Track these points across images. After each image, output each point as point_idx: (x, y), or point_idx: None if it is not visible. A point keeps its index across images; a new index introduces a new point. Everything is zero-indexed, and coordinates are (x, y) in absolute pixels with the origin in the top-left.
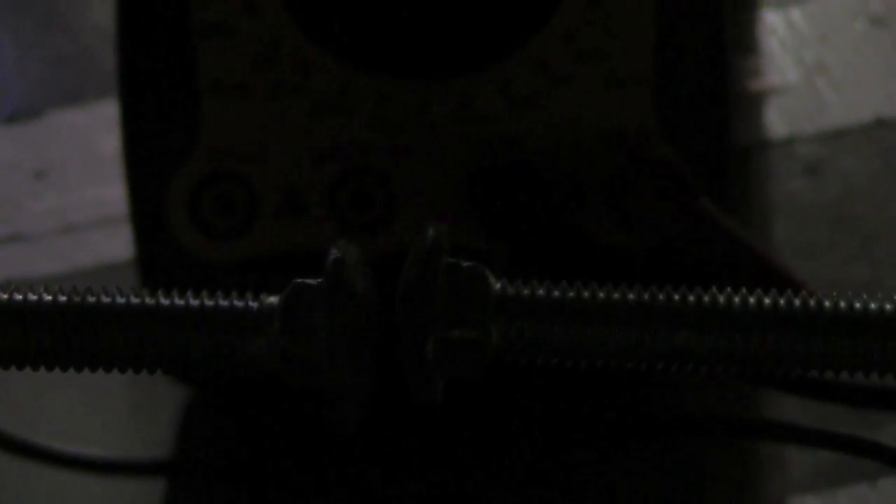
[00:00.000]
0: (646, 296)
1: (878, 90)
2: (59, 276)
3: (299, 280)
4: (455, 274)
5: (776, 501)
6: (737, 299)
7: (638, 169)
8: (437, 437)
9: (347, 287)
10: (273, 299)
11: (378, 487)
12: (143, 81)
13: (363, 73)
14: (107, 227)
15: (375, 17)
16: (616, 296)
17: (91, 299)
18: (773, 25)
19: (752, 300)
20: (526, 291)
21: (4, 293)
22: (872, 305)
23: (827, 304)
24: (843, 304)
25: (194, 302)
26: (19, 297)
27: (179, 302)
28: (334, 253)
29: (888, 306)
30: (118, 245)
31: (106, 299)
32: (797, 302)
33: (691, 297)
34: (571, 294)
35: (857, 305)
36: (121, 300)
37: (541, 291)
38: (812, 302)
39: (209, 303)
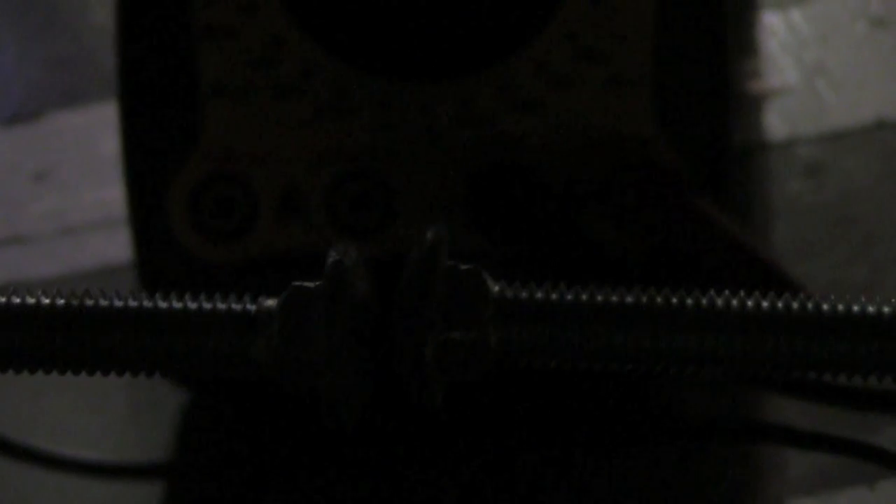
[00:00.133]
0: (644, 298)
1: (879, 91)
2: (58, 278)
3: (298, 282)
4: (454, 276)
5: None
6: (735, 302)
7: (638, 170)
8: (437, 439)
9: (346, 289)
10: (272, 301)
11: (377, 489)
12: (142, 83)
13: (363, 74)
14: (106, 229)
15: (375, 18)
16: (615, 298)
17: (90, 302)
18: (774, 27)
19: (750, 302)
20: (525, 294)
21: (3, 296)
22: (871, 308)
23: (825, 306)
24: (841, 306)
25: (193, 304)
26: (18, 299)
27: (178, 304)
28: (333, 255)
29: (886, 309)
30: (118, 247)
31: (105, 302)
32: (796, 304)
33: (690, 300)
34: (570, 296)
35: (856, 308)
36: (120, 302)
37: (539, 294)
38: (811, 304)
39: (208, 305)
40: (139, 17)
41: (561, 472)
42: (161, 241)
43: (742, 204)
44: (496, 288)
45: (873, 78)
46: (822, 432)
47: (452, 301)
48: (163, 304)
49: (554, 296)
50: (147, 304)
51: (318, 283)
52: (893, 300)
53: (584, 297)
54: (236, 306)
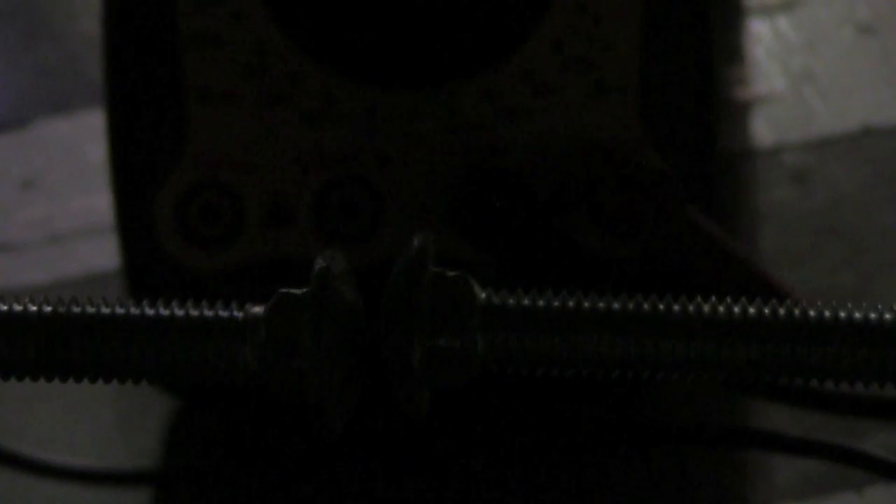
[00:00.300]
0: (631, 305)
1: (865, 98)
2: (45, 285)
3: (285, 289)
4: (440, 283)
5: None
6: (722, 308)
7: (625, 177)
8: (425, 446)
9: (333, 296)
10: (258, 309)
11: (365, 497)
12: (129, 91)
13: (350, 82)
14: (93, 236)
15: (362, 25)
16: (602, 305)
17: (77, 309)
18: (760, 34)
19: (737, 309)
20: (511, 301)
21: None
22: (858, 314)
23: (813, 313)
24: (828, 313)
25: (180, 311)
26: (5, 307)
27: (165, 311)
28: (320, 262)
29: (873, 315)
30: (105, 255)
31: (92, 309)
32: (783, 311)
33: (677, 306)
34: (557, 303)
35: (843, 314)
36: (107, 310)
37: (526, 301)
38: (798, 311)
39: (195, 312)
40: (126, 24)
41: (548, 478)
42: (148, 249)
43: (729, 211)
44: (483, 295)
45: (860, 85)
46: (810, 438)
47: (439, 308)
48: (150, 312)
49: (541, 303)
50: (134, 311)
51: (305, 289)
52: (880, 307)
53: (570, 303)
54: (223, 313)
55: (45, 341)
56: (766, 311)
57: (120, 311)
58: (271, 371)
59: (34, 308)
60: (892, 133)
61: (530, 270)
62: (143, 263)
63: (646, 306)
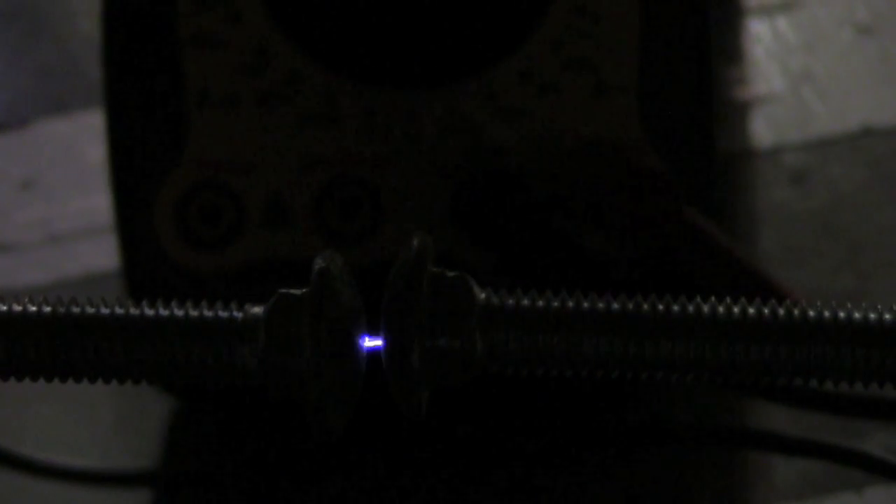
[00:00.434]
0: (631, 305)
1: (865, 99)
2: (44, 286)
3: (284, 290)
4: (440, 283)
5: None
6: (722, 308)
7: (624, 178)
8: (424, 447)
9: (332, 297)
10: (258, 309)
11: (364, 497)
12: (129, 91)
13: (349, 82)
14: (93, 237)
15: (362, 26)
16: (601, 305)
17: (76, 310)
18: (759, 34)
19: (737, 309)
20: (511, 301)
21: None
22: (857, 315)
23: (812, 313)
24: (828, 313)
25: (179, 312)
26: (4, 307)
27: (165, 312)
28: (319, 263)
29: (873, 315)
30: (104, 255)
31: (91, 310)
32: (782, 311)
33: (676, 307)
34: (557, 304)
35: (842, 315)
36: (106, 310)
37: (526, 301)
38: (797, 311)
39: (194, 313)
40: (125, 25)
41: (547, 479)
42: (147, 250)
43: (728, 211)
44: (482, 295)
45: (859, 85)
46: (809, 438)
47: (439, 308)
48: (149, 312)
49: (540, 303)
50: (134, 311)
51: (304, 290)
52: (880, 307)
53: (570, 304)
54: (223, 314)
55: (45, 342)
56: (766, 311)
57: (119, 311)
58: (270, 371)
59: (33, 308)
60: (892, 133)
61: (530, 271)
62: (143, 264)
63: (645, 307)
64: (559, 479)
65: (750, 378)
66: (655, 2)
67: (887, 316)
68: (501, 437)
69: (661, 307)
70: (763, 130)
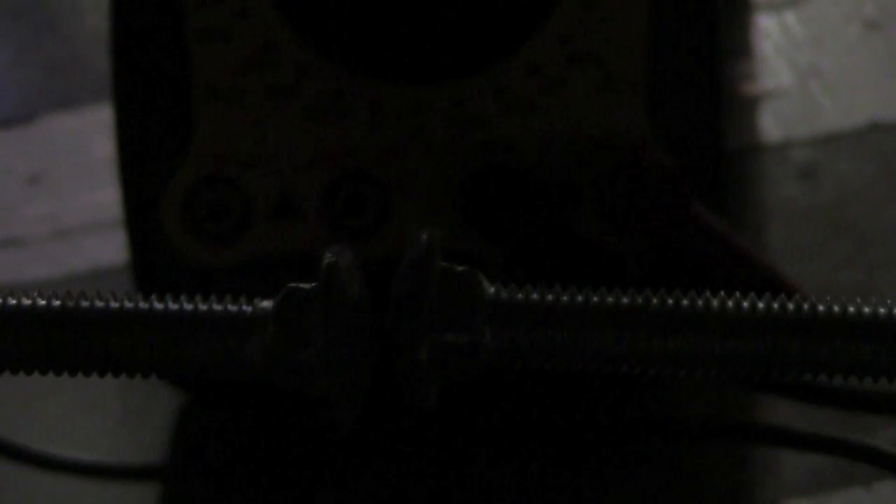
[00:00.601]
0: (639, 300)
1: (873, 94)
2: (52, 280)
3: (293, 284)
4: (448, 278)
5: None
6: (730, 303)
7: (632, 173)
8: (433, 440)
9: (341, 291)
10: (267, 303)
11: (374, 491)
12: (137, 86)
13: (357, 77)
14: (101, 231)
15: (369, 20)
16: (610, 300)
17: (85, 304)
18: (768, 29)
19: (745, 304)
20: (519, 296)
21: None
22: (866, 309)
23: (821, 308)
24: (836, 308)
25: (188, 306)
26: (13, 301)
27: (173, 306)
28: (328, 257)
29: (882, 310)
30: (112, 250)
31: (100, 304)
32: (791, 306)
33: (685, 302)
34: (565, 298)
35: (851, 310)
36: (115, 305)
37: (534, 296)
38: (806, 306)
39: (203, 307)
40: (133, 20)
41: (556, 474)
42: (156, 244)
43: (736, 206)
44: (491, 290)
45: (867, 80)
46: (818, 434)
47: (447, 303)
48: (158, 307)
49: (549, 298)
50: (142, 306)
51: (313, 284)
52: (889, 302)
53: (578, 298)
54: (232, 308)
55: (53, 336)
56: (775, 306)
57: (128, 305)
58: (279, 366)
59: (42, 303)
60: None
61: (538, 265)
62: (151, 258)
63: (653, 302)
64: (567, 475)
65: (759, 373)
66: None
67: None
68: (509, 433)
69: (669, 302)
70: (771, 125)
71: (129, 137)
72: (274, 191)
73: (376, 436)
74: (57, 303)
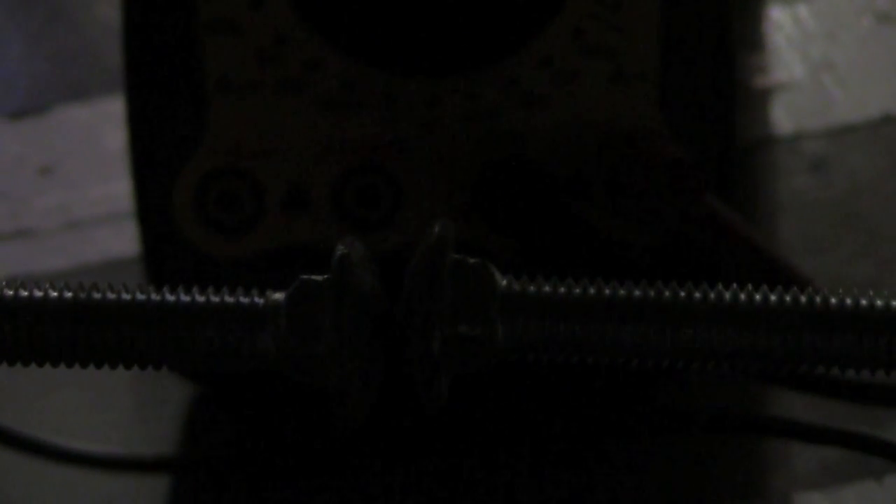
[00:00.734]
0: (651, 293)
1: (885, 87)
2: (64, 272)
3: (305, 276)
4: (461, 270)
5: (782, 498)
6: (742, 296)
7: (644, 165)
8: (442, 432)
9: (353, 283)
10: (279, 295)
11: (382, 483)
12: (148, 77)
13: (369, 69)
14: (112, 223)
15: (382, 12)
16: (622, 292)
17: (97, 295)
18: (780, 22)
19: (757, 297)
20: (532, 288)
21: (10, 289)
22: (878, 302)
23: (833, 300)
24: (848, 301)
25: (200, 298)
26: (25, 293)
27: (185, 298)
28: (340, 249)
29: (894, 303)
30: (124, 241)
31: (111, 296)
32: (803, 299)
33: (697, 294)
34: (577, 291)
35: (863, 302)
36: (126, 296)
37: (546, 288)
38: (818, 299)
39: (215, 299)
40: (145, 11)
41: (567, 466)
42: (167, 236)
43: (748, 199)
44: (503, 282)
45: (879, 73)
46: (830, 426)
47: (459, 295)
48: (170, 298)
49: (561, 290)
50: (154, 297)
51: (325, 276)
52: None
53: (591, 291)
54: (244, 300)
55: (65, 328)
56: (786, 299)
57: (139, 297)
58: (291, 358)
59: (54, 294)
60: None
61: (550, 258)
62: (163, 250)
63: (665, 294)
64: (578, 468)
65: (770, 366)
66: None
67: None
68: (520, 426)
69: (681, 295)
70: (783, 118)
71: (141, 129)
72: (286, 183)
73: (388, 428)
74: (68, 294)
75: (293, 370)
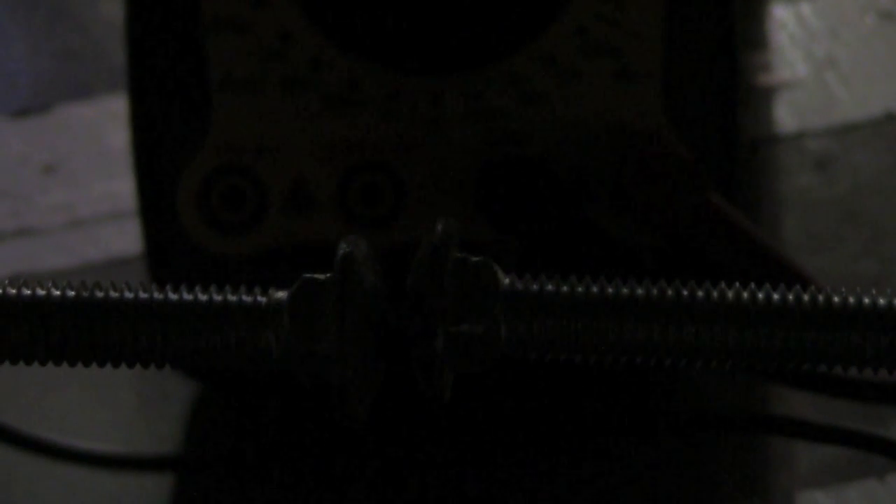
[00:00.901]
0: (655, 291)
1: (888, 84)
2: (67, 270)
3: (308, 274)
4: (464, 269)
5: (785, 497)
6: (746, 294)
7: (647, 163)
8: (446, 429)
9: (356, 282)
10: (282, 294)
11: (386, 481)
12: (152, 76)
13: (373, 67)
14: (116, 221)
15: (385, 10)
16: (625, 291)
17: (100, 294)
18: (783, 20)
19: (760, 295)
20: (535, 286)
21: (13, 288)
22: (881, 301)
23: (836, 299)
24: (851, 299)
25: (203, 296)
26: (28, 291)
27: (188, 297)
28: (343, 247)
29: None
30: (127, 239)
31: (115, 294)
32: (806, 297)
33: (700, 293)
34: (580, 289)
35: (867, 301)
36: (129, 295)
37: (550, 286)
38: (820, 297)
39: (218, 297)
40: (149, 9)
41: (569, 464)
42: (171, 234)
43: (751, 197)
44: (506, 280)
45: (883, 71)
46: (833, 425)
47: (462, 293)
48: (173, 297)
49: (564, 288)
50: (157, 296)
51: (328, 274)
52: None
53: (594, 289)
54: (247, 298)
55: (68, 326)
56: (790, 297)
57: (143, 296)
58: (294, 356)
59: (57, 293)
60: None
61: (553, 256)
62: (166, 248)
63: (669, 293)
64: (581, 466)
65: (773, 364)
66: None
67: None
68: (521, 425)
69: (684, 293)
70: (786, 116)
71: (145, 127)
72: (289, 181)
73: (390, 426)
74: (72, 293)
75: (296, 368)
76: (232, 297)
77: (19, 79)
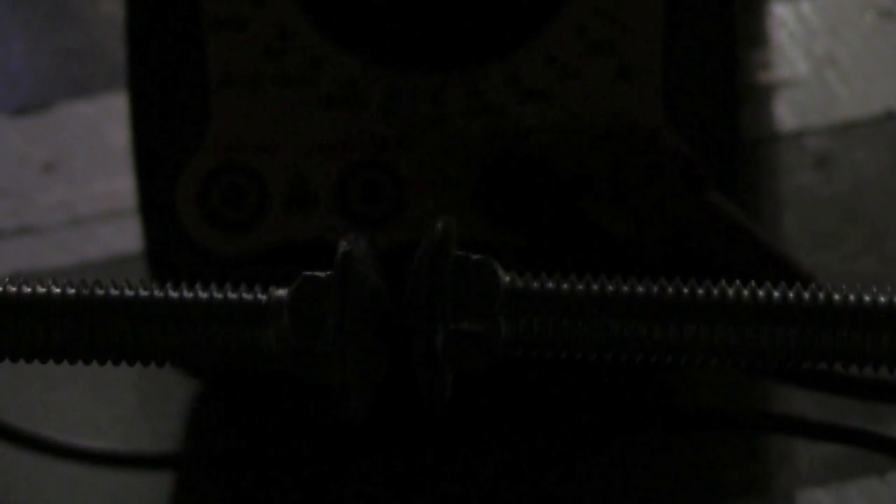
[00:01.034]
0: (655, 289)
1: (888, 83)
2: (68, 268)
3: (308, 272)
4: (464, 267)
5: (785, 495)
6: (746, 292)
7: (647, 161)
8: (449, 428)
9: (356, 280)
10: (282, 292)
11: (384, 479)
12: (152, 74)
13: (373, 65)
14: (116, 219)
15: (385, 8)
16: (625, 289)
17: (100, 292)
18: (783, 18)
19: (761, 293)
20: (535, 284)
21: (13, 286)
22: (881, 299)
23: (836, 297)
24: (852, 297)
25: (203, 294)
26: (28, 289)
27: (188, 295)
28: (343, 245)
29: None
30: (127, 238)
31: (115, 292)
32: (806, 295)
33: (700, 290)
34: (581, 287)
35: (866, 299)
36: (130, 293)
37: (550, 284)
38: (821, 295)
39: (218, 295)
40: (149, 7)
41: (570, 462)
42: (171, 232)
43: (751, 195)
44: (506, 278)
45: (882, 69)
46: (833, 423)
47: (463, 291)
48: (173, 295)
49: (564, 286)
50: (157, 294)
51: (328, 273)
52: None
53: (594, 287)
54: (247, 296)
55: (68, 324)
56: (790, 295)
57: (143, 294)
58: (294, 354)
59: (57, 291)
60: None
61: (554, 254)
62: (166, 246)
63: (669, 290)
64: (582, 465)
65: (774, 362)
66: None
67: None
68: (521, 423)
69: (684, 291)
70: (786, 114)
71: (145, 125)
72: (289, 179)
73: (390, 425)
74: (72, 291)
75: (296, 367)
76: (232, 295)
77: (19, 77)
